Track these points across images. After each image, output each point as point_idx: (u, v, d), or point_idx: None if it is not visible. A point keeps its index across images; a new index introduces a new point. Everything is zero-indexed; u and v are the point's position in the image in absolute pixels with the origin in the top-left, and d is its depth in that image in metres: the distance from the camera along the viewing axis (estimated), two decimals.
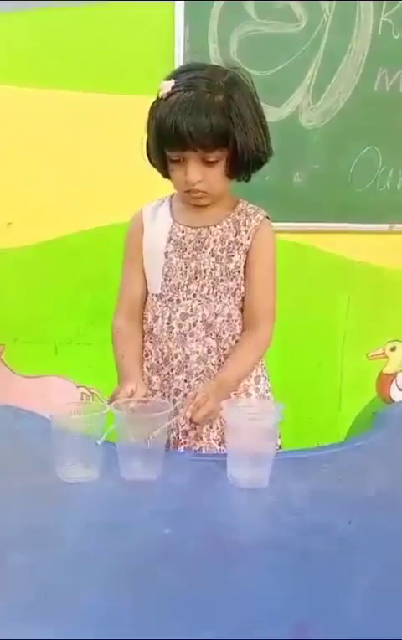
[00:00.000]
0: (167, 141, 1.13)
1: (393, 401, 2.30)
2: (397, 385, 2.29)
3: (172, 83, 1.13)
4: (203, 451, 1.24)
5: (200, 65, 1.19)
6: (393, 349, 2.26)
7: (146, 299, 1.31)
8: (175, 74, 1.15)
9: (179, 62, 1.98)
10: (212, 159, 1.14)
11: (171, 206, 1.31)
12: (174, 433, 1.25)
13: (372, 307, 2.22)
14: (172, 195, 1.32)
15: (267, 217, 1.28)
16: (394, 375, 2.29)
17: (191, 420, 1.08)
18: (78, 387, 2.22)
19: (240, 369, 1.23)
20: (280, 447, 1.29)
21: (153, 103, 1.16)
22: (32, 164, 2.10)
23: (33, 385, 2.23)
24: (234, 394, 1.25)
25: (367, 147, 2.09)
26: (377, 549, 0.80)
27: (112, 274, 2.08)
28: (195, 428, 1.23)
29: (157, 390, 1.28)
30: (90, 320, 2.16)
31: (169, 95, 1.12)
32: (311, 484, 0.98)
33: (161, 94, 1.13)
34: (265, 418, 0.98)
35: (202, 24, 1.98)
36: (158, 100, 1.15)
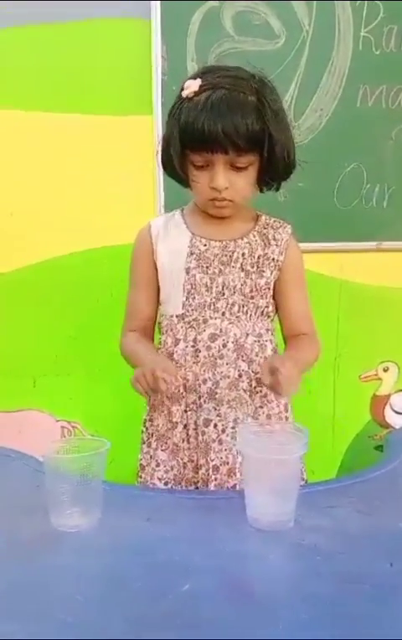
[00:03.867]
0: (195, 143, 1.04)
1: (388, 424, 2.21)
2: (391, 408, 2.21)
3: (198, 82, 1.05)
4: (238, 489, 1.11)
5: (223, 66, 1.11)
6: (385, 370, 2.19)
7: (155, 322, 1.22)
8: (200, 74, 1.07)
9: (157, 80, 1.92)
10: (242, 164, 1.06)
11: (184, 219, 1.21)
12: (203, 469, 1.14)
13: (363, 327, 2.15)
14: (182, 209, 1.24)
15: (293, 231, 1.22)
16: (388, 397, 2.21)
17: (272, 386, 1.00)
18: (57, 421, 2.09)
19: (304, 357, 1.15)
20: (305, 482, 1.18)
21: (175, 104, 1.09)
22: (7, 186, 2.01)
23: (9, 420, 2.09)
24: (268, 425, 1.15)
25: (352, 164, 2.04)
26: None
27: (94, 298, 2.04)
28: (207, 462, 1.13)
29: (178, 423, 1.16)
30: (70, 349, 2.05)
31: (196, 94, 1.04)
32: (336, 522, 0.89)
33: (185, 93, 1.05)
34: (291, 450, 0.87)
35: (179, 42, 1.92)
36: (181, 100, 1.06)
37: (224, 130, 1.00)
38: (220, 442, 1.12)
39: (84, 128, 1.97)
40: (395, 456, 1.17)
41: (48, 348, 2.06)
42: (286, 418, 1.20)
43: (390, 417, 2.21)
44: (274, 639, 0.63)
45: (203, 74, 1.07)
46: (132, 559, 0.78)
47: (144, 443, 1.22)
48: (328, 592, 0.71)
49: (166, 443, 1.18)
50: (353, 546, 0.82)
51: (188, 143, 1.06)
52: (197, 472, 1.15)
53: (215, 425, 1.13)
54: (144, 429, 1.23)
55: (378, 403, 2.21)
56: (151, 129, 1.91)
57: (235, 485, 1.12)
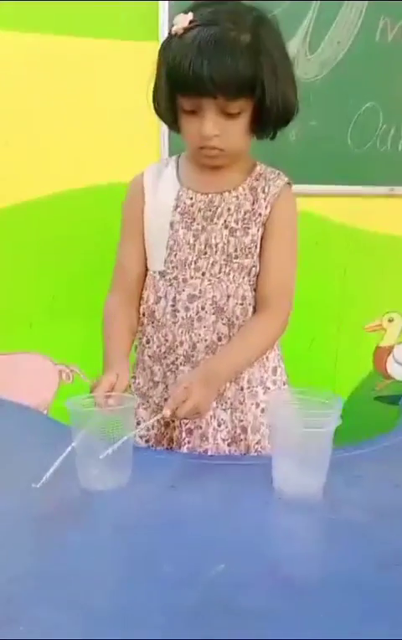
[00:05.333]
0: (182, 86, 0.94)
1: (390, 375, 2.19)
2: (394, 359, 2.17)
3: (189, 16, 0.93)
4: (210, 454, 1.08)
5: (222, 1, 0.98)
6: (390, 321, 2.15)
7: (145, 277, 1.14)
8: (193, 8, 0.96)
9: (164, 6, 1.78)
10: (234, 110, 0.96)
11: (178, 168, 1.12)
12: (177, 431, 1.10)
13: (369, 276, 2.08)
14: (180, 156, 1.14)
15: (288, 183, 1.10)
16: (391, 348, 2.17)
17: (174, 417, 0.92)
18: (56, 365, 2.04)
19: (240, 356, 1.05)
20: None
21: (165, 41, 0.98)
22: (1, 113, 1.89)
23: (5, 362, 2.03)
24: (248, 388, 1.10)
25: (367, 104, 1.93)
26: None
27: (93, 238, 1.95)
28: (181, 425, 1.09)
29: (159, 382, 1.12)
30: (67, 291, 1.97)
31: (185, 31, 0.93)
32: (366, 493, 0.85)
33: (175, 29, 0.94)
34: (324, 423, 0.81)
35: None
36: (171, 37, 0.96)
37: (211, 74, 0.90)
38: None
39: (84, 52, 1.83)
40: None
41: (45, 290, 1.99)
42: (274, 382, 1.14)
43: (393, 368, 2.19)
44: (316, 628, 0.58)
45: (196, 7, 0.96)
46: (161, 537, 0.74)
47: None
48: (370, 574, 0.67)
49: (147, 402, 1.15)
50: (387, 521, 0.78)
51: (176, 86, 0.96)
52: (171, 433, 1.12)
53: None
54: (129, 386, 1.18)
55: (382, 354, 2.18)
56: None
57: (207, 450, 1.08)
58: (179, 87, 0.95)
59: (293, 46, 1.86)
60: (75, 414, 0.85)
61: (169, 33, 0.96)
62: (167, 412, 0.89)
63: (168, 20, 1.76)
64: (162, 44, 0.98)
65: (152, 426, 1.13)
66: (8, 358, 2.04)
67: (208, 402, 0.94)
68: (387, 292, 2.13)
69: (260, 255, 1.08)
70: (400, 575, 0.67)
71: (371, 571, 0.68)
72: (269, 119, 1.00)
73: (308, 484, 0.82)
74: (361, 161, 1.97)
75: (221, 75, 0.90)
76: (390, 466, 0.96)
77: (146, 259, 1.14)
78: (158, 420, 1.11)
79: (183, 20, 0.93)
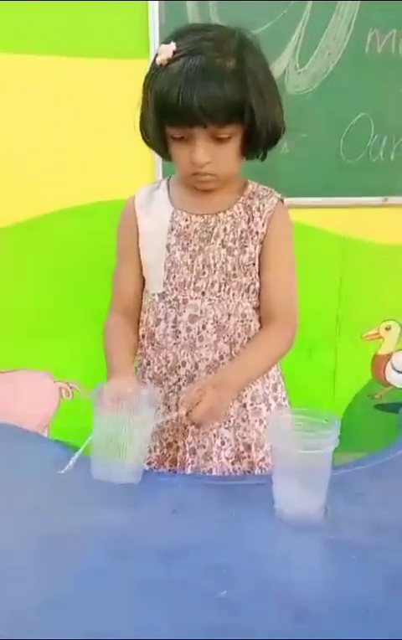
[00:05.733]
0: (171, 116, 0.95)
1: (389, 383, 2.20)
2: (393, 366, 2.18)
3: (172, 47, 0.93)
4: (215, 473, 1.08)
5: (203, 26, 1.02)
6: (388, 329, 2.16)
7: (142, 298, 1.15)
8: (175, 37, 0.96)
9: (154, 22, 1.80)
10: (224, 136, 0.96)
11: (169, 190, 1.13)
12: (181, 452, 1.10)
13: (366, 285, 2.10)
14: (169, 178, 1.15)
15: (281, 199, 1.11)
16: (390, 356, 2.18)
17: (191, 421, 0.92)
18: (55, 382, 2.04)
19: (253, 364, 1.06)
20: None
21: (150, 71, 0.98)
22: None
23: (5, 380, 2.04)
24: (252, 405, 1.10)
25: (359, 114, 1.95)
26: None
27: (90, 255, 1.95)
28: (184, 445, 1.09)
29: (160, 403, 1.11)
30: (66, 308, 1.98)
31: (170, 61, 0.93)
32: (367, 512, 0.85)
33: (159, 60, 0.94)
34: (323, 445, 0.82)
35: None
36: (156, 67, 0.96)
37: (201, 103, 0.90)
38: (198, 425, 1.04)
39: (76, 72, 1.84)
40: None
41: (44, 308, 2.00)
42: (275, 398, 1.15)
43: (391, 376, 2.20)
44: None
45: (178, 36, 0.96)
46: (164, 562, 0.74)
47: None
48: (374, 597, 0.67)
49: None
50: (389, 540, 0.79)
51: (165, 116, 0.96)
52: (175, 453, 1.12)
53: None
54: None
55: (380, 362, 2.19)
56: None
57: (212, 469, 1.08)
58: (169, 118, 0.96)
59: (283, 60, 1.88)
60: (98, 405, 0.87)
61: (153, 64, 0.97)
62: (182, 412, 0.90)
63: (159, 38, 1.78)
64: (147, 75, 0.98)
65: (154, 448, 1.12)
66: (8, 375, 2.05)
67: (223, 406, 0.94)
68: (384, 301, 2.14)
69: (259, 272, 1.09)
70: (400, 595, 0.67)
71: (375, 593, 0.68)
72: (259, 141, 1.01)
73: (308, 506, 0.82)
74: (354, 171, 1.99)
75: (211, 104, 0.91)
76: (392, 482, 0.96)
77: (142, 281, 1.14)
78: (161, 442, 1.11)
79: (167, 51, 0.94)
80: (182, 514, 0.85)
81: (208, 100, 0.90)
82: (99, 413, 0.86)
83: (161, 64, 0.95)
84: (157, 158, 1.84)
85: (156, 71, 0.96)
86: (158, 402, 1.09)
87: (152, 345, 1.12)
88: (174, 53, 0.93)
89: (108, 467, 0.85)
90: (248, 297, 1.09)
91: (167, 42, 0.96)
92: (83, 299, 1.92)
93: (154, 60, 0.96)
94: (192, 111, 0.91)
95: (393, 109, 1.96)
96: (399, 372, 2.19)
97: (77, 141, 1.90)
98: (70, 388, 2.04)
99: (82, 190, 1.92)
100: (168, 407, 1.11)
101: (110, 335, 1.14)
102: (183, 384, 1.09)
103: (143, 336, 1.14)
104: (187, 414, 0.90)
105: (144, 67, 1.00)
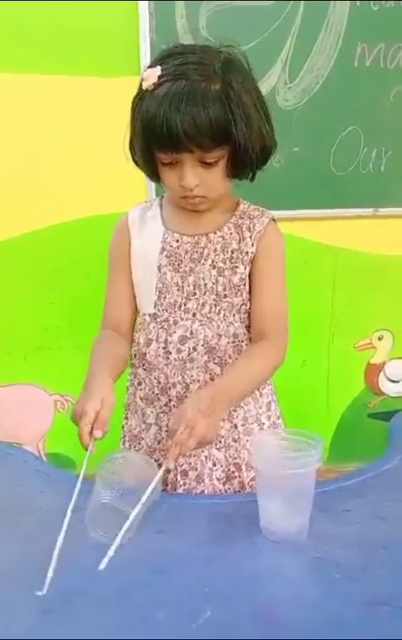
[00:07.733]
0: (158, 141, 0.95)
1: (382, 392, 2.21)
2: (386, 375, 2.20)
3: (157, 71, 0.94)
4: (206, 494, 1.09)
5: (189, 48, 0.99)
6: (380, 339, 2.18)
7: (134, 314, 1.15)
8: (160, 60, 0.97)
9: (145, 39, 1.82)
10: (211, 160, 0.97)
11: (161, 210, 1.13)
12: (172, 474, 1.10)
13: (358, 295, 2.12)
14: (162, 197, 1.16)
15: (273, 219, 1.11)
16: (382, 365, 2.20)
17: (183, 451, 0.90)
18: (51, 395, 2.06)
19: (244, 378, 1.03)
20: None
21: (136, 97, 0.99)
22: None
23: (2, 395, 2.06)
24: (243, 425, 1.11)
25: (349, 128, 1.97)
26: None
27: (84, 270, 1.98)
28: (176, 467, 1.08)
29: (151, 424, 1.12)
30: (60, 322, 2.01)
31: (156, 86, 0.94)
32: (352, 529, 0.87)
33: (145, 85, 0.95)
34: (305, 464, 0.82)
35: None
36: (142, 92, 0.96)
37: (185, 130, 0.91)
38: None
39: (68, 90, 1.87)
40: (396, 446, 1.15)
41: (38, 322, 2.02)
42: (269, 417, 1.15)
43: (384, 385, 2.21)
44: None
45: (163, 59, 0.97)
46: (149, 582, 0.75)
47: (122, 442, 1.18)
48: (358, 616, 0.69)
49: (139, 444, 1.14)
50: (374, 558, 0.80)
51: (152, 142, 0.97)
52: (166, 476, 1.11)
53: None
54: (122, 428, 1.18)
55: (373, 371, 2.21)
56: None
57: (203, 491, 1.09)
58: (155, 144, 0.96)
59: (273, 75, 1.90)
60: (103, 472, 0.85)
61: (140, 89, 0.97)
62: (170, 464, 0.87)
63: (150, 55, 1.81)
64: (134, 100, 0.99)
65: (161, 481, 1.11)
66: (4, 389, 2.06)
67: (213, 431, 0.92)
68: (376, 311, 2.16)
69: (250, 291, 1.09)
70: (389, 615, 0.68)
71: (359, 612, 0.69)
72: (246, 162, 1.01)
73: (293, 524, 0.84)
74: (345, 184, 2.02)
75: (196, 131, 0.91)
76: (377, 498, 0.97)
77: (135, 299, 1.15)
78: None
79: (152, 75, 0.94)
80: (168, 534, 0.86)
81: (192, 126, 0.91)
82: (103, 479, 0.84)
83: (147, 89, 0.95)
84: None
85: (142, 95, 0.97)
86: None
87: (143, 365, 1.12)
88: (159, 77, 0.94)
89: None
90: (240, 317, 1.09)
91: (152, 65, 0.96)
92: (77, 315, 1.94)
93: (140, 85, 0.97)
94: (177, 138, 0.92)
95: (382, 122, 1.99)
96: (392, 381, 2.21)
97: (73, 155, 1.92)
98: (66, 401, 2.06)
99: (77, 204, 1.94)
100: (159, 428, 1.11)
101: (95, 349, 1.11)
102: (174, 405, 1.09)
103: (134, 355, 1.14)
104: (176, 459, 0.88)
105: (134, 84, 1.01)
